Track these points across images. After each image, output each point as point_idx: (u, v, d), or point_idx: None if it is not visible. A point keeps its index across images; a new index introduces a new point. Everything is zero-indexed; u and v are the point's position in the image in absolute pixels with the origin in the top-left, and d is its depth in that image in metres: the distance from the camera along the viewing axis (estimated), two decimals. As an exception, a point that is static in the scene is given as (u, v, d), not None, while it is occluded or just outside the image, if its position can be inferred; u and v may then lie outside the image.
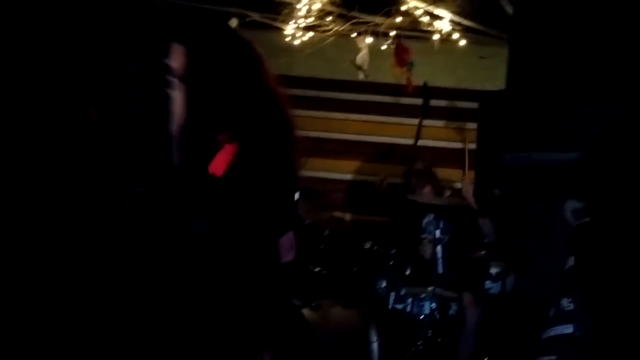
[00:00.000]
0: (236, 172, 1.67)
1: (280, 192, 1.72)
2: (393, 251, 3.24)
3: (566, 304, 2.06)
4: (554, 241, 2.43)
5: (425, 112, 3.37)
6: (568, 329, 1.99)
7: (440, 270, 3.12)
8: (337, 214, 4.28)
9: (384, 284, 3.20)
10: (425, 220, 3.50)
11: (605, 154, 1.66)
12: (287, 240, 1.77)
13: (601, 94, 1.81)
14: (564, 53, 1.96)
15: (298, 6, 3.56)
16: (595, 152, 1.67)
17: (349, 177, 4.54)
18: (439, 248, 3.10)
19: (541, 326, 2.13)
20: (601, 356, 1.65)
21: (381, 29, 3.84)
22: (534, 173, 2.32)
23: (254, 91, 1.72)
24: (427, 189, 3.67)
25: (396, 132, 4.53)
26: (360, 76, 3.83)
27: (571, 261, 2.21)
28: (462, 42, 3.97)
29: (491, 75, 4.42)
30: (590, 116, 1.78)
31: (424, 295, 3.21)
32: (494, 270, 3.42)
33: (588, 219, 1.96)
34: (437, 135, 4.48)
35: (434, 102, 4.30)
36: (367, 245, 3.24)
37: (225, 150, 1.73)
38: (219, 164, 1.71)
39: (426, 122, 3.97)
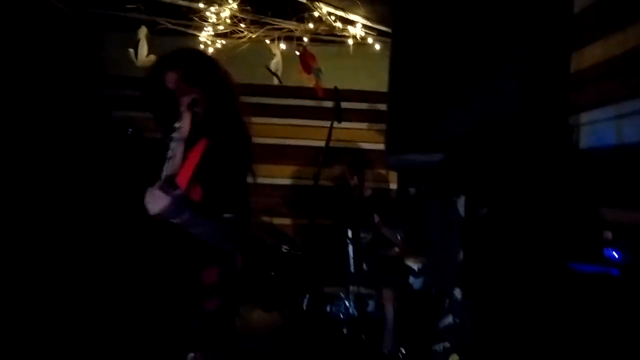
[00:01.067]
0: (207, 167, 1.85)
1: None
2: (311, 253, 3.29)
3: (457, 294, 2.17)
4: (450, 235, 2.54)
5: (337, 115, 3.44)
6: (457, 317, 2.10)
7: (351, 270, 3.19)
8: (262, 218, 4.30)
9: (301, 286, 3.24)
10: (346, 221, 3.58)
11: (466, 154, 1.77)
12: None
13: (463, 97, 1.92)
14: (431, 57, 2.06)
15: (208, 13, 3.57)
16: (457, 152, 1.78)
17: (274, 181, 4.57)
18: (350, 248, 3.17)
19: (438, 315, 2.24)
20: (479, 340, 1.76)
21: (295, 34, 3.89)
22: (431, 172, 2.42)
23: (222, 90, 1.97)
24: (349, 189, 3.74)
25: (319, 135, 4.58)
26: (275, 82, 3.86)
27: (462, 254, 2.33)
28: (377, 47, 4.07)
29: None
30: (453, 119, 1.89)
31: (340, 294, 3.27)
32: (416, 266, 3.52)
33: (482, 213, 2.07)
34: (360, 137, 4.57)
35: (355, 105, 4.39)
36: (285, 249, 3.27)
37: (197, 146, 1.90)
38: (193, 158, 1.88)
39: (348, 124, 4.05)
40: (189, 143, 1.92)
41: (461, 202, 2.34)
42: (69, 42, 3.87)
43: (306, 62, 3.63)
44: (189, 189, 1.86)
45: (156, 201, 1.79)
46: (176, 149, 1.89)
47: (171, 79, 1.94)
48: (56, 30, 3.72)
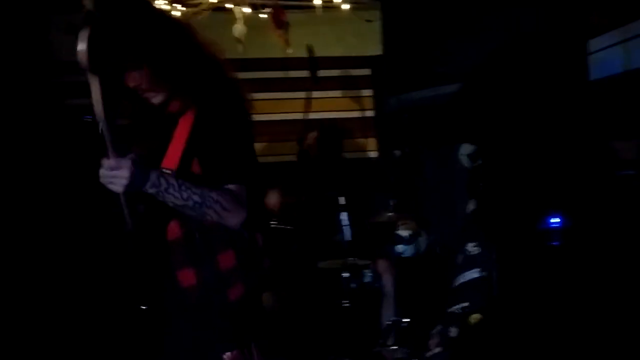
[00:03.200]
0: (199, 137, 1.64)
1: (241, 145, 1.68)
2: (301, 227, 3.13)
3: (471, 248, 2.04)
4: (453, 188, 2.41)
5: (314, 77, 3.26)
6: (476, 273, 1.97)
7: (347, 238, 3.04)
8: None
9: (295, 261, 3.09)
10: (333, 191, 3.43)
11: (479, 83, 1.63)
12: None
13: (465, 28, 1.76)
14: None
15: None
16: (469, 82, 1.63)
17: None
18: (344, 215, 3.02)
19: (451, 275, 2.11)
20: (505, 294, 1.64)
21: (259, 1, 3.68)
22: (425, 122, 2.28)
23: (182, 49, 1.67)
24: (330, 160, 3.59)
25: (291, 107, 4.40)
26: (240, 49, 3.64)
27: (472, 205, 2.19)
28: (345, 7, 3.89)
29: (379, 39, 4.40)
30: (458, 50, 1.74)
31: (337, 266, 3.13)
32: (404, 233, 3.40)
33: (481, 161, 1.93)
34: (335, 106, 4.40)
35: (326, 73, 4.22)
36: (273, 224, 3.10)
37: (184, 120, 1.68)
38: (176, 145, 1.66)
39: (322, 93, 3.88)
40: (173, 117, 1.70)
41: (463, 151, 2.20)
42: (14, 28, 3.60)
43: (277, 16, 3.45)
44: (184, 166, 1.64)
45: (116, 175, 1.53)
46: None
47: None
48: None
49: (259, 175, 1.77)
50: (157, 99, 1.71)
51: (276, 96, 4.45)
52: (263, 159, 4.46)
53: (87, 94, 1.66)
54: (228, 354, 1.67)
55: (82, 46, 1.48)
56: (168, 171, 1.64)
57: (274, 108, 4.42)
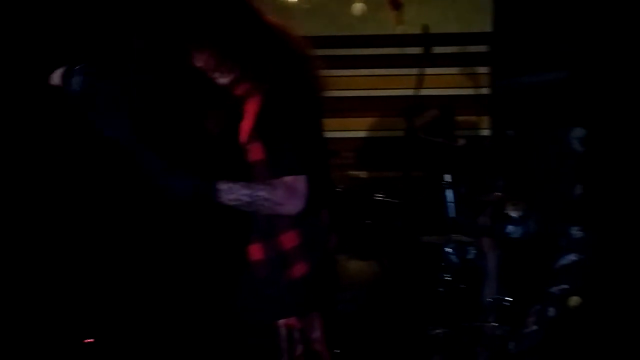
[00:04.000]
0: (264, 123, 1.60)
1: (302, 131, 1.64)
2: (406, 201, 3.21)
3: (575, 232, 2.02)
4: (561, 171, 2.37)
5: (427, 57, 3.28)
6: (577, 256, 1.95)
7: (451, 214, 3.08)
8: (351, 172, 4.25)
9: (400, 234, 3.18)
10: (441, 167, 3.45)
11: (595, 66, 1.60)
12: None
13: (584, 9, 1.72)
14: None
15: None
16: (578, 68, 1.60)
17: (360, 134, 4.49)
18: (449, 192, 3.06)
19: (553, 257, 2.10)
20: (605, 279, 1.62)
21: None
22: (539, 104, 2.26)
23: (260, 33, 1.66)
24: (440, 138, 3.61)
25: (405, 84, 4.44)
26: (358, 27, 3.73)
27: (579, 189, 2.16)
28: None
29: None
30: (575, 31, 1.71)
31: (440, 241, 3.18)
32: (515, 214, 3.37)
33: (592, 146, 1.90)
34: (447, 83, 4.38)
35: (442, 50, 4.20)
36: (379, 197, 3.21)
37: (250, 103, 1.64)
38: (247, 117, 1.63)
39: (435, 70, 3.88)
40: (240, 100, 1.67)
41: (575, 134, 2.17)
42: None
43: None
44: (249, 151, 1.64)
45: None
46: None
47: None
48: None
49: (327, 154, 1.75)
50: (223, 79, 1.68)
51: (390, 72, 4.50)
52: (374, 133, 4.61)
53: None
54: (283, 320, 1.69)
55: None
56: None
57: (388, 84, 4.49)
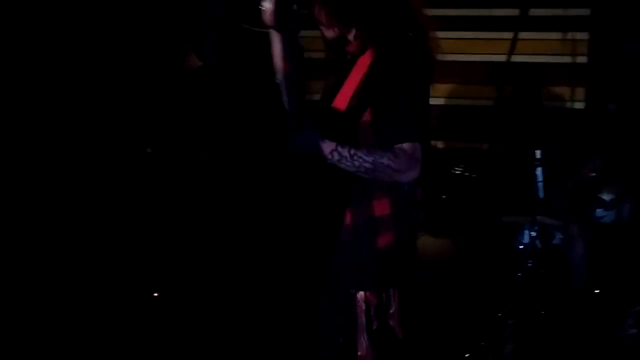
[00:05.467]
0: (373, 84, 1.59)
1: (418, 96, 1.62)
2: (486, 176, 2.96)
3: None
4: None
5: (522, 22, 2.97)
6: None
7: (540, 195, 2.80)
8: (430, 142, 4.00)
9: (478, 211, 2.95)
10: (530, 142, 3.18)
11: None
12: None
13: None
14: None
15: None
16: None
17: (440, 101, 4.21)
18: (538, 171, 2.77)
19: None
20: None
21: None
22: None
23: None
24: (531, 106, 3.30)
25: (491, 48, 4.10)
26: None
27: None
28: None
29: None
30: None
31: (523, 223, 2.92)
32: (607, 197, 3.06)
33: None
34: (538, 49, 4.00)
35: (533, 12, 3.83)
36: (458, 171, 2.97)
37: (361, 60, 1.64)
38: (349, 85, 1.64)
39: (525, 34, 3.54)
40: (353, 57, 1.66)
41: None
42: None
43: None
44: (354, 111, 1.63)
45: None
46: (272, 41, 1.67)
47: None
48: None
49: (428, 131, 1.70)
50: (329, 33, 1.68)
51: (476, 35, 4.17)
52: (457, 101, 4.33)
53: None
54: (362, 293, 1.68)
55: (268, 4, 1.55)
56: (337, 110, 1.62)
57: (475, 48, 4.16)
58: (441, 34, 4.40)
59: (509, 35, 3.94)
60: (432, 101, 4.32)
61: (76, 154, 3.16)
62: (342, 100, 1.64)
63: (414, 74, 1.60)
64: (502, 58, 3.91)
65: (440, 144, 4.12)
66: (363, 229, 1.68)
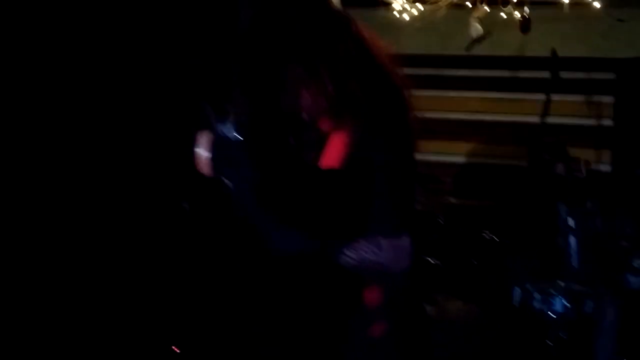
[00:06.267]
0: (354, 163, 1.47)
1: (403, 182, 1.51)
2: (515, 242, 2.93)
3: None
4: None
5: (554, 85, 3.00)
6: None
7: (574, 264, 2.76)
8: (451, 199, 3.99)
9: (506, 278, 2.91)
10: (559, 206, 3.15)
11: None
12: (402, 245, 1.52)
13: None
14: None
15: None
16: None
17: (463, 160, 4.22)
18: (572, 239, 2.74)
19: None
20: None
21: (500, -4, 3.49)
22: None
23: (361, 69, 1.50)
24: (560, 169, 3.28)
25: (516, 109, 4.14)
26: (474, 49, 3.51)
27: None
28: (597, 5, 3.50)
29: (631, 40, 3.91)
30: None
31: (554, 290, 2.87)
32: (637, 263, 3.01)
33: None
34: (565, 111, 4.03)
35: (562, 74, 3.86)
36: (486, 236, 2.95)
37: (335, 139, 1.50)
38: (331, 156, 1.49)
39: (554, 96, 3.57)
40: (318, 139, 1.51)
41: None
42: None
43: (526, 22, 3.25)
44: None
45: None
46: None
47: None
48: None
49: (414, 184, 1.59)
50: (308, 116, 1.53)
51: (505, 96, 4.22)
52: (483, 160, 4.31)
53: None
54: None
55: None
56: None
57: (502, 109, 4.20)
58: (468, 94, 4.47)
59: (532, 96, 4.04)
60: (457, 159, 4.36)
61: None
62: (330, 160, 1.50)
63: (394, 158, 1.50)
64: (527, 119, 4.00)
65: (464, 203, 4.12)
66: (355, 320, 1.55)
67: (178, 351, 2.86)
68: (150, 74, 3.25)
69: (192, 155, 1.58)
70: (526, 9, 3.43)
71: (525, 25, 3.38)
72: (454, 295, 2.90)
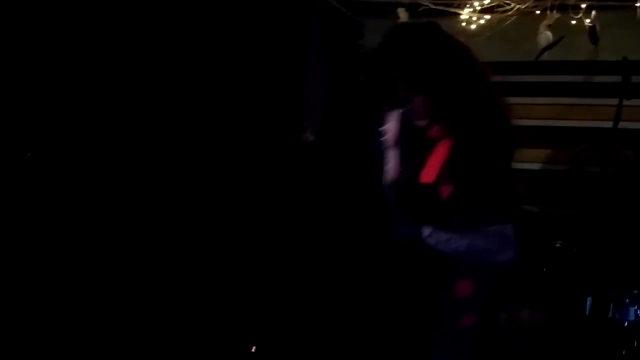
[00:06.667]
0: (453, 169, 1.64)
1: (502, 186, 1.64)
2: (589, 250, 2.92)
3: None
4: None
5: (626, 90, 2.96)
6: None
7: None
8: (523, 207, 3.99)
9: (578, 287, 2.91)
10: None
11: None
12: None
13: None
14: None
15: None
16: None
17: (535, 166, 4.20)
18: None
19: None
20: None
21: (570, 1, 3.48)
22: None
23: (465, 80, 1.68)
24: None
25: (588, 114, 4.08)
26: (545, 56, 3.51)
27: None
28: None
29: None
30: None
31: (628, 299, 2.85)
32: None
33: None
34: (638, 116, 3.94)
35: (635, 79, 3.78)
36: (559, 244, 2.96)
37: (439, 147, 1.69)
38: (433, 164, 1.68)
39: (626, 102, 3.51)
40: (426, 145, 1.71)
41: None
42: (333, 32, 3.99)
43: (595, 33, 3.23)
44: (440, 191, 1.65)
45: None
46: (388, 156, 1.75)
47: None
48: (323, 21, 3.87)
49: (511, 199, 1.70)
50: (422, 122, 1.73)
51: (578, 102, 4.17)
52: (555, 166, 4.25)
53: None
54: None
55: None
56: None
57: (575, 114, 4.16)
58: (541, 100, 4.44)
59: (605, 101, 3.96)
60: (527, 166, 4.34)
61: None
62: (427, 181, 1.68)
63: (496, 159, 1.64)
64: (601, 124, 3.92)
65: (537, 210, 4.10)
66: (447, 312, 1.68)
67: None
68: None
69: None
70: (594, 17, 3.40)
71: (594, 36, 3.35)
72: (525, 303, 2.93)
